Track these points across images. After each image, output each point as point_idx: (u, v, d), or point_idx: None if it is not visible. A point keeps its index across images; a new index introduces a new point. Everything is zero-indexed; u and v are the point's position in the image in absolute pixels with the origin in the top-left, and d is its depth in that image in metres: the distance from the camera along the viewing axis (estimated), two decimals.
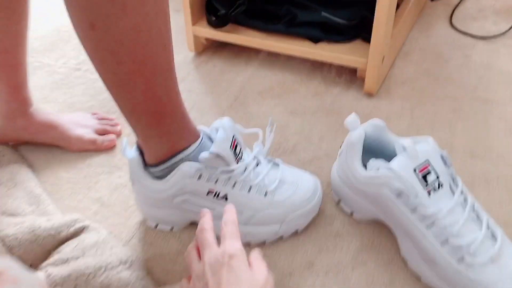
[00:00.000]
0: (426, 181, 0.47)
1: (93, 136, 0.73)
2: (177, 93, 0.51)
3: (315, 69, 0.87)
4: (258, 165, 0.57)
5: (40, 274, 0.54)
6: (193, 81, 0.87)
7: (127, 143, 0.57)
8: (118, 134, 0.76)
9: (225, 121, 0.54)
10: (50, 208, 0.65)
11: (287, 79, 0.86)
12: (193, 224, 0.60)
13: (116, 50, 0.43)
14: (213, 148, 0.51)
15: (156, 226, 0.61)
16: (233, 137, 0.53)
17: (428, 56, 0.88)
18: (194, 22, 0.89)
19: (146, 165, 0.57)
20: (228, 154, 0.52)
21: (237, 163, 0.53)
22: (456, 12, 0.98)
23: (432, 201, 0.47)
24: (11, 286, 0.32)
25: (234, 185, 0.54)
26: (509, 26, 0.91)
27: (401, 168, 0.47)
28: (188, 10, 0.87)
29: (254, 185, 0.55)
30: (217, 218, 0.56)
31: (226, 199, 0.55)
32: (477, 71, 0.84)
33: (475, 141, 0.70)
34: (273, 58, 0.91)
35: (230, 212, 0.47)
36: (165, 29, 0.45)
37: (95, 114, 0.78)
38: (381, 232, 0.58)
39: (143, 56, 0.44)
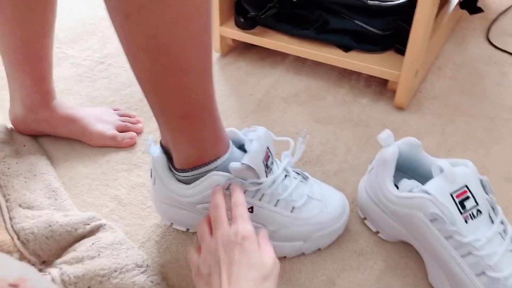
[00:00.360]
0: (463, 207, 0.45)
1: (114, 132, 0.72)
2: (211, 98, 0.48)
3: (343, 78, 0.85)
4: (287, 177, 0.55)
5: (54, 272, 0.53)
6: (217, 82, 0.86)
7: (152, 140, 0.55)
8: (139, 132, 0.75)
9: (261, 131, 0.51)
10: (67, 203, 0.64)
11: (314, 86, 0.83)
12: None
13: (150, 44, 0.41)
14: (246, 160, 0.49)
15: (171, 225, 0.60)
16: (267, 148, 0.51)
17: (462, 72, 0.85)
18: (222, 23, 0.87)
19: (170, 166, 0.55)
20: (260, 167, 0.50)
21: (267, 176, 0.51)
22: (493, 27, 0.95)
23: (469, 229, 0.44)
24: None
25: (261, 198, 0.52)
26: None
27: (438, 192, 0.45)
28: (217, 10, 0.85)
29: (282, 200, 0.53)
30: None
31: (252, 211, 0.53)
32: None
33: (511, 164, 0.67)
34: (300, 63, 0.89)
35: (238, 194, 0.48)
36: (205, 26, 0.42)
37: (116, 110, 0.77)
38: (407, 253, 0.56)
39: (177, 54, 0.42)
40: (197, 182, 0.51)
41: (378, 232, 0.57)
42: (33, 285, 0.30)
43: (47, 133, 0.74)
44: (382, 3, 0.72)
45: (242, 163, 0.49)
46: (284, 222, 0.53)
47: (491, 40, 0.91)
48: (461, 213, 0.45)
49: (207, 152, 0.50)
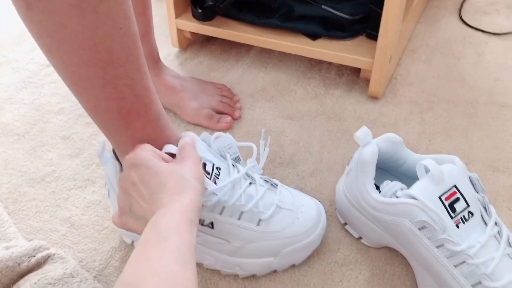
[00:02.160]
0: (454, 210, 0.40)
1: (210, 112, 0.68)
2: (146, 88, 0.42)
3: (312, 68, 0.79)
4: (252, 185, 0.49)
5: None
6: None
7: (105, 145, 0.49)
8: (235, 119, 0.70)
9: (188, 137, 0.45)
10: (10, 231, 0.57)
11: (282, 79, 0.77)
12: None
13: (59, 35, 0.36)
14: None
15: (132, 242, 0.54)
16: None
17: (436, 54, 0.80)
18: (178, 15, 0.79)
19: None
20: None
21: (214, 182, 0.45)
22: (465, 5, 0.91)
23: (461, 234, 0.39)
24: None
25: (222, 211, 0.46)
26: None
27: (425, 196, 0.40)
28: (171, 2, 0.77)
29: (246, 212, 0.46)
30: (201, 245, 0.49)
31: (212, 227, 0.46)
32: (492, 71, 0.76)
33: (496, 151, 0.63)
34: (266, 55, 0.82)
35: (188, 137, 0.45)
36: (119, 7, 0.37)
37: (220, 87, 0.73)
38: (393, 260, 0.51)
39: (92, 42, 0.37)
40: None
41: (360, 238, 0.52)
42: None
43: None
44: None
45: None
46: (250, 236, 0.47)
47: (464, 19, 0.87)
48: (451, 217, 0.40)
49: None
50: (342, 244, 0.53)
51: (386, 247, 0.51)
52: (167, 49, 0.85)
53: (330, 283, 0.49)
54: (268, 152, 0.52)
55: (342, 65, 0.78)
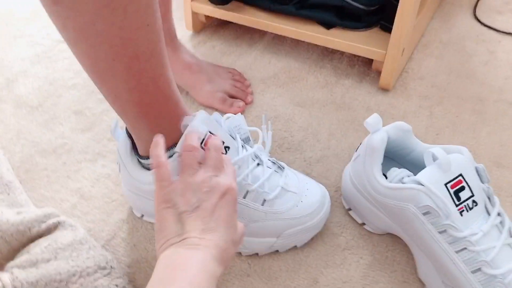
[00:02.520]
0: (458, 198, 0.41)
1: (223, 95, 0.69)
2: (167, 80, 0.43)
3: (324, 57, 0.79)
4: (259, 166, 0.50)
5: (5, 277, 0.47)
6: None
7: (117, 122, 0.50)
8: (248, 103, 0.71)
9: (199, 116, 0.46)
10: (22, 198, 0.58)
11: (294, 66, 0.78)
12: None
13: (87, 31, 0.36)
14: (177, 148, 0.45)
15: (142, 216, 0.55)
16: (207, 133, 0.45)
17: (449, 50, 0.80)
18: None
19: (135, 152, 0.50)
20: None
21: None
22: (480, 3, 0.91)
23: (464, 221, 0.40)
24: None
25: None
26: None
27: (431, 182, 0.40)
28: None
29: (252, 191, 0.48)
30: None
31: None
32: (503, 70, 0.77)
33: (502, 148, 0.63)
34: (279, 42, 0.83)
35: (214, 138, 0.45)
36: (147, 4, 0.37)
37: (231, 72, 0.73)
38: (395, 247, 0.52)
39: (120, 39, 0.37)
40: None
41: (364, 224, 0.53)
42: None
43: None
44: None
45: (175, 152, 0.45)
46: (254, 215, 0.48)
47: (478, 17, 0.87)
48: (456, 205, 0.41)
49: (169, 137, 0.45)
50: (345, 228, 0.54)
51: (388, 234, 0.52)
52: (180, 31, 0.86)
53: (332, 265, 0.50)
54: (272, 135, 0.53)
55: (354, 56, 0.78)
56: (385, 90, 0.72)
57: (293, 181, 0.51)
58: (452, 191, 0.41)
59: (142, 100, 0.42)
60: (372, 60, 0.74)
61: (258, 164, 0.50)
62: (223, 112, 0.69)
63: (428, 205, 0.40)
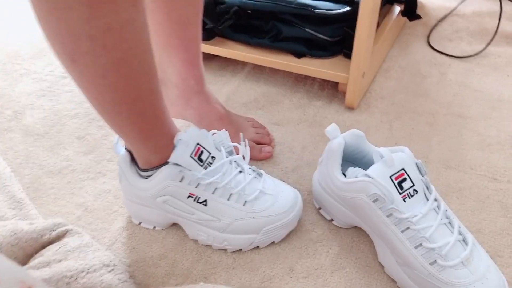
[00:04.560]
0: (401, 187, 0.50)
1: (252, 143, 0.71)
2: (163, 110, 0.52)
3: (298, 83, 0.90)
4: (241, 173, 0.58)
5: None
6: None
7: (119, 139, 0.58)
8: (273, 147, 0.74)
9: (190, 131, 0.55)
10: (32, 213, 0.65)
11: (272, 91, 0.88)
12: (175, 226, 0.62)
13: (98, 83, 0.45)
14: (171, 158, 0.54)
15: (140, 223, 0.62)
16: (196, 145, 0.55)
17: (406, 73, 0.92)
18: None
19: (136, 164, 0.58)
20: (188, 161, 0.54)
21: (206, 168, 0.55)
22: (433, 32, 1.03)
23: (407, 206, 0.49)
24: None
25: (214, 191, 0.56)
26: (482, 47, 0.96)
27: (378, 175, 0.49)
28: None
29: (234, 194, 0.56)
30: (195, 223, 0.58)
31: (206, 204, 0.56)
32: (452, 88, 0.88)
33: (450, 153, 0.73)
34: (259, 71, 0.93)
35: None
36: (147, 56, 0.46)
37: (250, 121, 0.75)
38: (359, 238, 0.60)
39: (125, 87, 0.45)
40: (154, 175, 0.55)
41: (332, 220, 0.61)
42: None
43: (190, 121, 0.74)
44: (328, 11, 0.78)
45: (169, 161, 0.53)
46: (237, 215, 0.56)
47: (432, 44, 0.99)
48: (399, 193, 0.49)
49: (166, 154, 0.54)
50: (316, 225, 0.62)
51: (353, 227, 0.61)
52: None
53: (305, 256, 0.58)
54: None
55: (324, 81, 0.89)
56: (350, 108, 0.83)
57: (270, 185, 0.60)
58: (396, 182, 0.50)
59: (142, 128, 0.51)
60: (338, 83, 0.85)
61: (240, 172, 0.59)
62: (256, 160, 0.71)
63: (376, 193, 0.49)
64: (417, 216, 0.49)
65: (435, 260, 0.48)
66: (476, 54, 0.95)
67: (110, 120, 0.50)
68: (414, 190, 0.50)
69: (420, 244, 0.48)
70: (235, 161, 0.60)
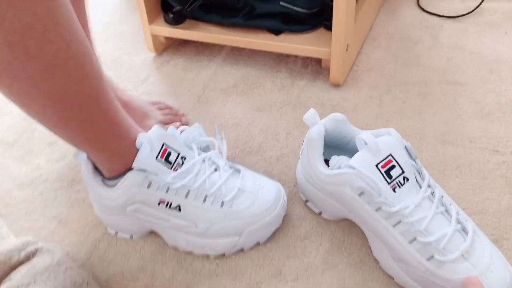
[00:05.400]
0: (390, 176, 0.44)
1: (160, 125, 0.69)
2: (116, 112, 0.47)
3: (280, 62, 0.83)
4: (216, 172, 0.53)
5: None
6: (154, 83, 0.83)
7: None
8: (184, 123, 0.72)
9: (152, 132, 0.50)
10: (3, 231, 0.61)
11: (252, 74, 0.82)
12: (154, 233, 0.57)
13: (32, 94, 0.39)
14: (134, 163, 0.49)
15: (116, 233, 0.59)
16: (162, 146, 0.50)
17: (395, 40, 0.85)
18: (151, 21, 0.84)
19: (100, 173, 0.54)
20: (154, 165, 0.49)
21: (176, 169, 0.50)
22: None
23: (397, 197, 0.44)
24: None
25: (187, 195, 0.51)
26: (477, 3, 0.88)
27: (362, 165, 0.44)
28: (143, 9, 0.82)
29: (210, 195, 0.51)
30: (173, 229, 0.53)
31: (180, 210, 0.51)
32: (445, 52, 0.81)
33: (446, 126, 0.67)
34: (237, 53, 0.87)
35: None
36: (84, 55, 0.40)
37: (156, 104, 0.73)
38: (351, 231, 0.55)
39: (66, 93, 0.41)
40: (119, 183, 0.51)
41: (321, 213, 0.56)
42: None
43: None
44: None
45: (132, 168, 0.49)
46: (214, 217, 0.51)
47: (422, 5, 0.91)
48: (388, 183, 0.44)
49: (129, 159, 0.49)
50: (304, 220, 0.57)
51: (344, 220, 0.56)
52: (144, 54, 0.90)
53: (293, 255, 0.54)
54: (234, 141, 0.56)
55: (307, 57, 0.82)
56: (336, 85, 0.76)
57: (249, 182, 0.55)
58: (383, 170, 0.44)
59: (97, 136, 0.46)
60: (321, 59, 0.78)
61: (215, 170, 0.54)
62: None
63: (361, 186, 0.44)
64: (409, 208, 0.43)
65: (432, 255, 0.43)
66: (470, 12, 0.87)
67: (59, 132, 0.46)
68: (404, 178, 0.45)
69: (415, 239, 0.43)
70: (210, 158, 0.54)
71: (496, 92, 0.72)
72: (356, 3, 0.76)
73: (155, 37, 0.87)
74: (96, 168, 0.54)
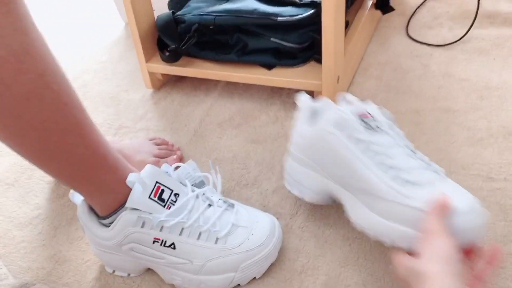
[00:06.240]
0: (365, 122, 0.51)
1: (155, 158, 0.70)
2: (104, 147, 0.48)
3: (274, 94, 0.85)
4: (210, 207, 0.54)
5: None
6: (152, 118, 0.85)
7: None
8: (180, 156, 0.73)
9: (144, 171, 0.51)
10: (2, 272, 0.61)
11: (247, 107, 0.83)
12: (151, 271, 0.57)
13: (8, 125, 0.40)
14: (128, 203, 0.49)
15: (113, 272, 0.59)
16: (155, 184, 0.50)
17: (387, 70, 0.87)
18: (148, 59, 0.87)
19: (95, 213, 0.54)
20: (147, 204, 0.50)
21: (169, 207, 0.51)
22: (411, 22, 0.98)
23: (372, 135, 0.50)
24: None
25: (181, 232, 0.51)
26: (464, 31, 0.90)
27: (342, 109, 0.51)
28: (140, 48, 0.85)
29: (204, 231, 0.52)
30: (168, 267, 0.53)
31: (174, 247, 0.51)
32: (436, 80, 0.82)
33: (439, 153, 0.68)
34: (232, 87, 0.89)
35: None
36: (59, 86, 0.41)
37: (153, 139, 0.75)
38: (347, 262, 0.55)
39: (43, 124, 0.41)
40: (113, 223, 0.51)
41: (303, 198, 0.59)
42: None
43: None
44: (291, 17, 0.73)
45: (126, 207, 0.49)
46: (209, 254, 0.51)
47: (411, 35, 0.94)
48: (364, 126, 0.51)
49: (121, 195, 0.50)
50: (300, 253, 0.57)
51: (340, 251, 0.55)
52: (142, 91, 0.92)
53: None
54: (230, 174, 0.57)
55: (300, 90, 0.84)
56: None
57: (244, 216, 0.55)
58: (359, 117, 0.52)
59: (81, 173, 0.47)
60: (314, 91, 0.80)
61: (209, 205, 0.54)
62: None
63: (340, 118, 0.51)
64: (384, 144, 0.50)
65: (397, 175, 0.47)
66: (459, 39, 0.89)
67: (44, 166, 0.46)
68: (379, 127, 0.51)
69: (390, 168, 0.48)
70: (203, 194, 0.55)
71: (487, 118, 0.72)
72: (345, 36, 0.78)
73: (152, 75, 0.89)
74: (91, 208, 0.54)
